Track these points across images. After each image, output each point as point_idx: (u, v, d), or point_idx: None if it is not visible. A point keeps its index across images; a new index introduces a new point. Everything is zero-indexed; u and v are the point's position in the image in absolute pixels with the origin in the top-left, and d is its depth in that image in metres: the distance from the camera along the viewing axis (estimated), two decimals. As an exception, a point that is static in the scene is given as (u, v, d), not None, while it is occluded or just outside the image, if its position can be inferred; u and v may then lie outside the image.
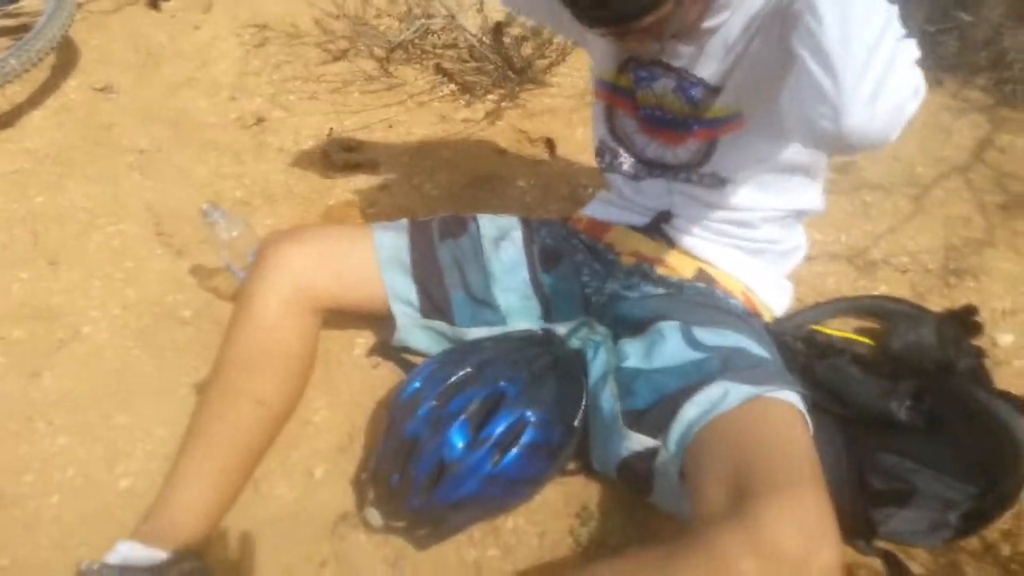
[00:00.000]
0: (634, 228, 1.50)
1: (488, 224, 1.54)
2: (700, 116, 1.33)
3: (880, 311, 1.66)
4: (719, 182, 1.38)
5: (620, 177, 1.50)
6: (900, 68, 0.94)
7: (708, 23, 1.20)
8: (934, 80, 2.37)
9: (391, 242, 1.47)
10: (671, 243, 1.47)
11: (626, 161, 1.48)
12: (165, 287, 1.83)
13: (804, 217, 1.51)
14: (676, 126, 1.37)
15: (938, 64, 2.39)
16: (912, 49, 0.97)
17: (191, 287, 1.83)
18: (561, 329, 1.45)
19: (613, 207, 1.54)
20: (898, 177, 2.08)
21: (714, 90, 1.28)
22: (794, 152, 1.34)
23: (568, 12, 1.14)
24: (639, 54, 1.32)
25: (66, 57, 2.70)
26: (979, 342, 1.60)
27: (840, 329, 1.61)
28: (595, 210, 1.58)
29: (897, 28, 0.96)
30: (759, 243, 1.46)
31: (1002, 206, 1.99)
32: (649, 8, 1.08)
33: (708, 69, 1.27)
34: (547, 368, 1.35)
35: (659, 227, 1.47)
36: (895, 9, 0.97)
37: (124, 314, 1.76)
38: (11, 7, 2.73)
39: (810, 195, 1.47)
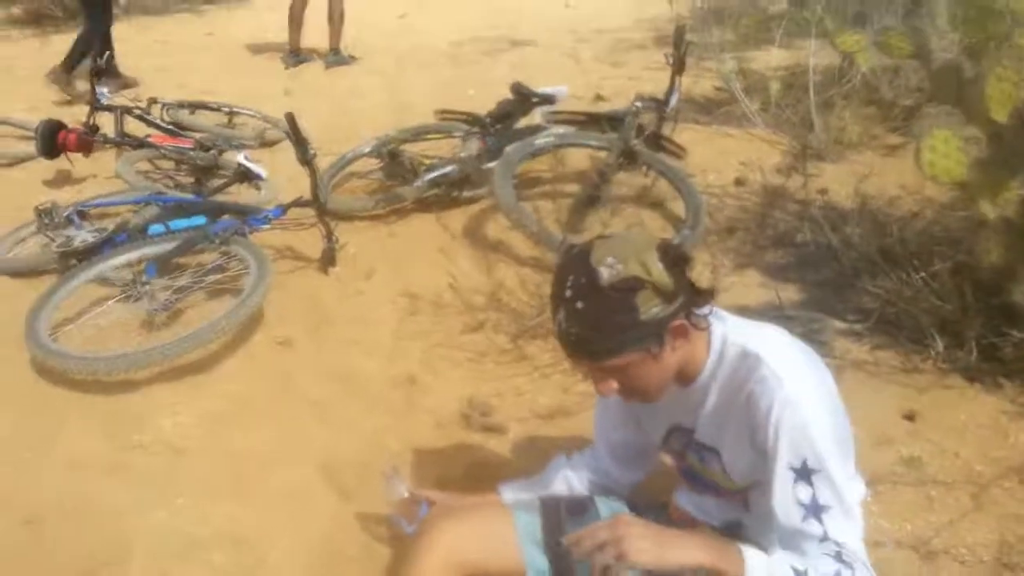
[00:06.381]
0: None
1: (603, 505, 1.92)
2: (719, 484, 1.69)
3: (938, 603, 1.93)
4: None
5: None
6: None
7: None
8: (993, 384, 2.69)
9: (527, 521, 1.86)
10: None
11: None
12: (333, 527, 2.25)
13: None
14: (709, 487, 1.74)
15: (997, 369, 2.71)
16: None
17: (355, 528, 2.24)
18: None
19: (692, 506, 1.86)
20: (959, 474, 2.36)
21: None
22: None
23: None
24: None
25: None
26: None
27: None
28: (685, 502, 1.88)
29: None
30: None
31: (1055, 508, 2.24)
32: (612, 353, 1.44)
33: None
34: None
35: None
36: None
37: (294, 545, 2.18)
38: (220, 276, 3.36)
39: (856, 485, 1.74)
